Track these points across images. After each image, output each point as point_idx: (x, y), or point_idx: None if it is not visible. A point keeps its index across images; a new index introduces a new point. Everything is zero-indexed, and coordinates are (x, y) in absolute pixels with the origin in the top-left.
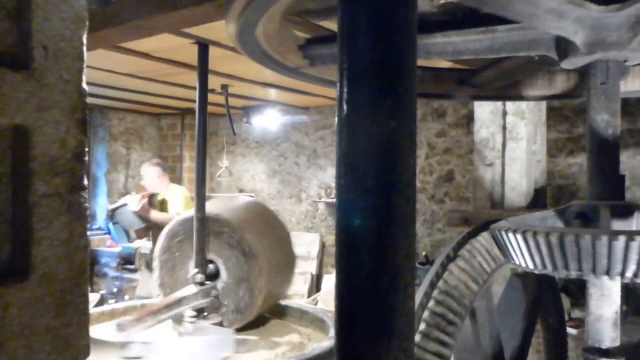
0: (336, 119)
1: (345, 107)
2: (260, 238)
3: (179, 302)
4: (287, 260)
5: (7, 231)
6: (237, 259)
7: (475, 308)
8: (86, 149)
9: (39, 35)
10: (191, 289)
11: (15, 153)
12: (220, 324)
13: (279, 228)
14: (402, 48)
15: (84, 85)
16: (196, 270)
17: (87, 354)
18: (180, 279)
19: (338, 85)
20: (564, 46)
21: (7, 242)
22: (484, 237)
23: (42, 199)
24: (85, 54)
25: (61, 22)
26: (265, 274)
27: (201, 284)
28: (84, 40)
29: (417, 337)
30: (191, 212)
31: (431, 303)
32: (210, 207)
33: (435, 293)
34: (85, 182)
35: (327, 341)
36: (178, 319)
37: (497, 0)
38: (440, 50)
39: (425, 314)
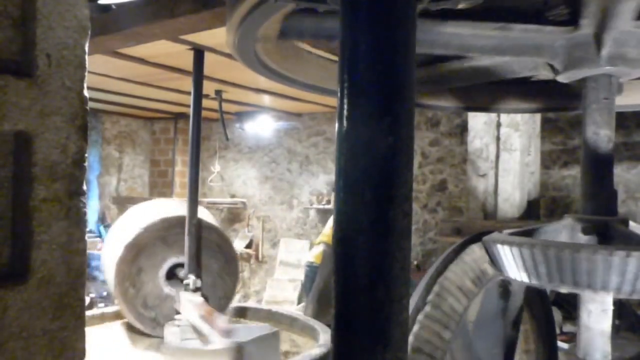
0: (336, 134)
1: (345, 123)
2: None
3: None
4: None
5: (7, 234)
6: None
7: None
8: (86, 155)
9: (43, 44)
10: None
11: (17, 158)
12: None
13: None
14: (400, 68)
15: (85, 93)
16: (192, 277)
17: (83, 356)
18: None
19: (338, 102)
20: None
21: (7, 246)
22: (474, 251)
23: (42, 203)
24: (87, 61)
25: (64, 31)
26: None
27: (196, 289)
28: (86, 48)
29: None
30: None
31: (421, 316)
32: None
33: (426, 308)
34: (85, 187)
35: (317, 349)
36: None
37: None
38: (445, 43)
39: (415, 328)
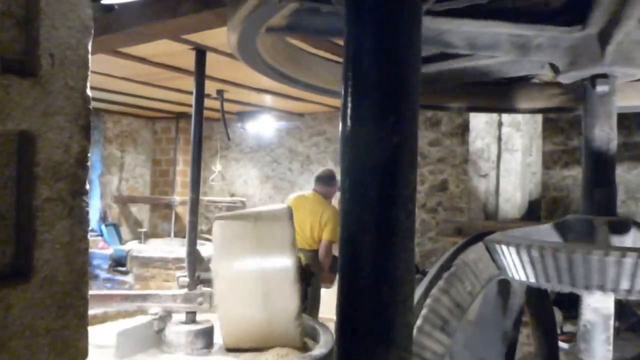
0: (340, 134)
1: (349, 123)
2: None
3: (142, 297)
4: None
5: (10, 234)
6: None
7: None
8: (89, 155)
9: (46, 44)
10: (168, 291)
11: (20, 158)
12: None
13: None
14: (405, 67)
15: (88, 92)
16: (182, 273)
17: (85, 355)
18: None
19: (342, 101)
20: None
21: (11, 245)
22: (476, 251)
23: (45, 203)
24: (90, 61)
25: (68, 31)
26: (221, 298)
27: (187, 288)
28: (89, 48)
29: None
30: None
31: (424, 310)
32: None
33: (428, 301)
34: (87, 187)
35: (317, 349)
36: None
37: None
38: (451, 41)
39: (419, 322)
